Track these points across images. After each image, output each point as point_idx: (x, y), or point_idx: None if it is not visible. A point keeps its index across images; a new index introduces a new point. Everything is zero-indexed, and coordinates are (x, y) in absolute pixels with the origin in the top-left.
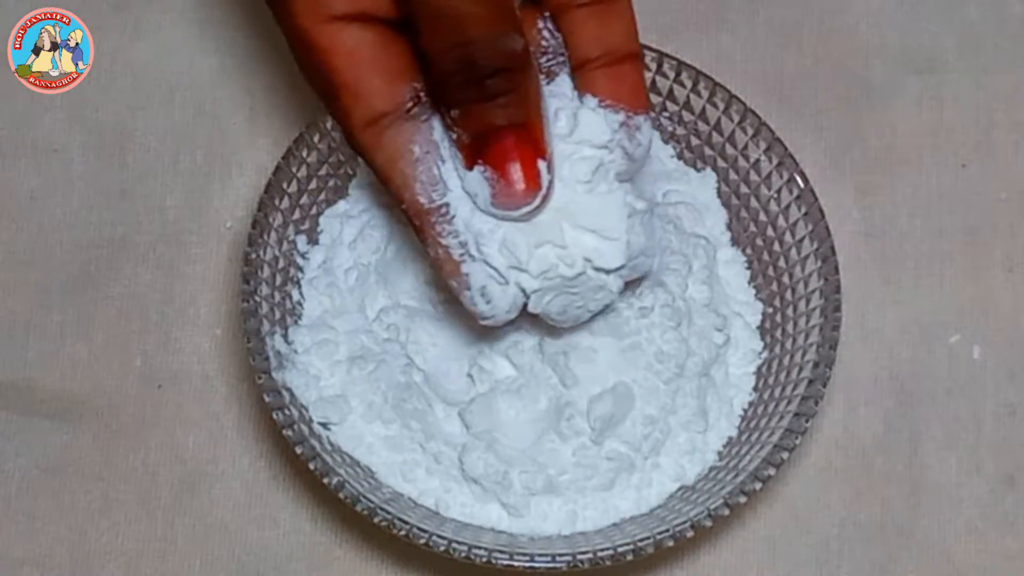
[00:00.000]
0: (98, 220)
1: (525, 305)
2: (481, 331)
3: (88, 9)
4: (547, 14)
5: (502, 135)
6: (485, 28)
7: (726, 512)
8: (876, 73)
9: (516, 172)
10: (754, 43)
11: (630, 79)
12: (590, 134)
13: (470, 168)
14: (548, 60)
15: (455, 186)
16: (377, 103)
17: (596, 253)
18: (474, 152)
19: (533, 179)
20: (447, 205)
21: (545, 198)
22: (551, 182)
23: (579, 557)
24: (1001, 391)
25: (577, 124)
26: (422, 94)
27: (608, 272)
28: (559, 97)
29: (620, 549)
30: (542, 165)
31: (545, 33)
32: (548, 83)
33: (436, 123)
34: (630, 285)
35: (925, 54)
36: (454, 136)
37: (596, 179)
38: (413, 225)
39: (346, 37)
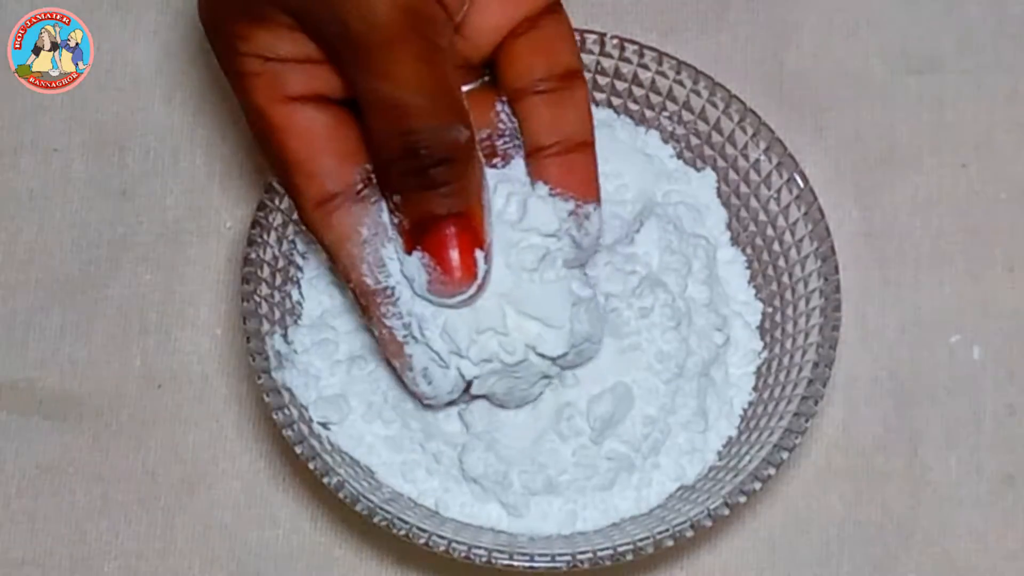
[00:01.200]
0: (98, 220)
1: (469, 384)
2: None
3: (88, 9)
4: (504, 98)
5: (441, 224)
6: (430, 119)
7: (726, 512)
8: (876, 73)
9: (453, 260)
10: (754, 43)
11: (582, 168)
12: (539, 222)
13: (409, 253)
14: (504, 143)
15: (399, 269)
16: (328, 184)
17: (539, 340)
18: (413, 238)
19: (469, 268)
20: (392, 288)
21: (480, 288)
22: (487, 272)
23: (579, 557)
24: (1001, 391)
25: (526, 212)
26: (372, 176)
27: (552, 359)
28: (512, 182)
29: (620, 549)
30: (479, 255)
31: (503, 116)
32: (504, 166)
33: (385, 205)
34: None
35: (925, 54)
36: (395, 221)
37: (543, 267)
38: (360, 304)
39: (300, 117)
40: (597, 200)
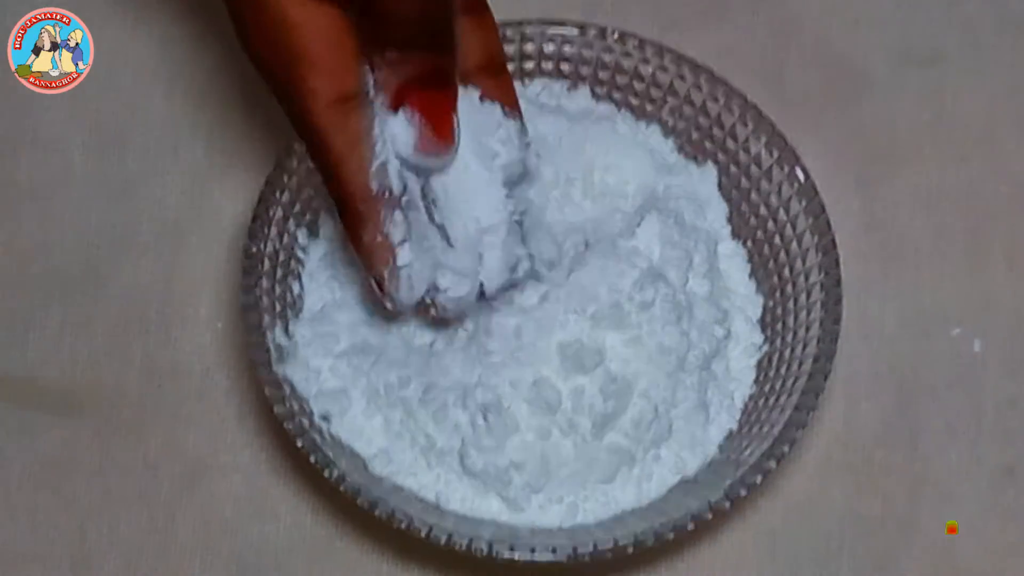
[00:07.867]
0: (98, 217)
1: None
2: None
3: (88, 9)
4: None
5: (442, 83)
6: None
7: (727, 505)
8: (877, 67)
9: (448, 120)
10: (755, 37)
11: (504, 81)
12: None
13: (395, 110)
14: None
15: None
16: (347, 81)
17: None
18: (406, 94)
19: (452, 130)
20: (390, 191)
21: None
22: (459, 137)
23: (580, 550)
24: (1002, 384)
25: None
26: None
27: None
28: None
29: (621, 542)
30: (455, 119)
31: None
32: None
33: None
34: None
35: (926, 48)
36: (382, 76)
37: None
38: (352, 210)
39: (318, 14)
40: (519, 110)
